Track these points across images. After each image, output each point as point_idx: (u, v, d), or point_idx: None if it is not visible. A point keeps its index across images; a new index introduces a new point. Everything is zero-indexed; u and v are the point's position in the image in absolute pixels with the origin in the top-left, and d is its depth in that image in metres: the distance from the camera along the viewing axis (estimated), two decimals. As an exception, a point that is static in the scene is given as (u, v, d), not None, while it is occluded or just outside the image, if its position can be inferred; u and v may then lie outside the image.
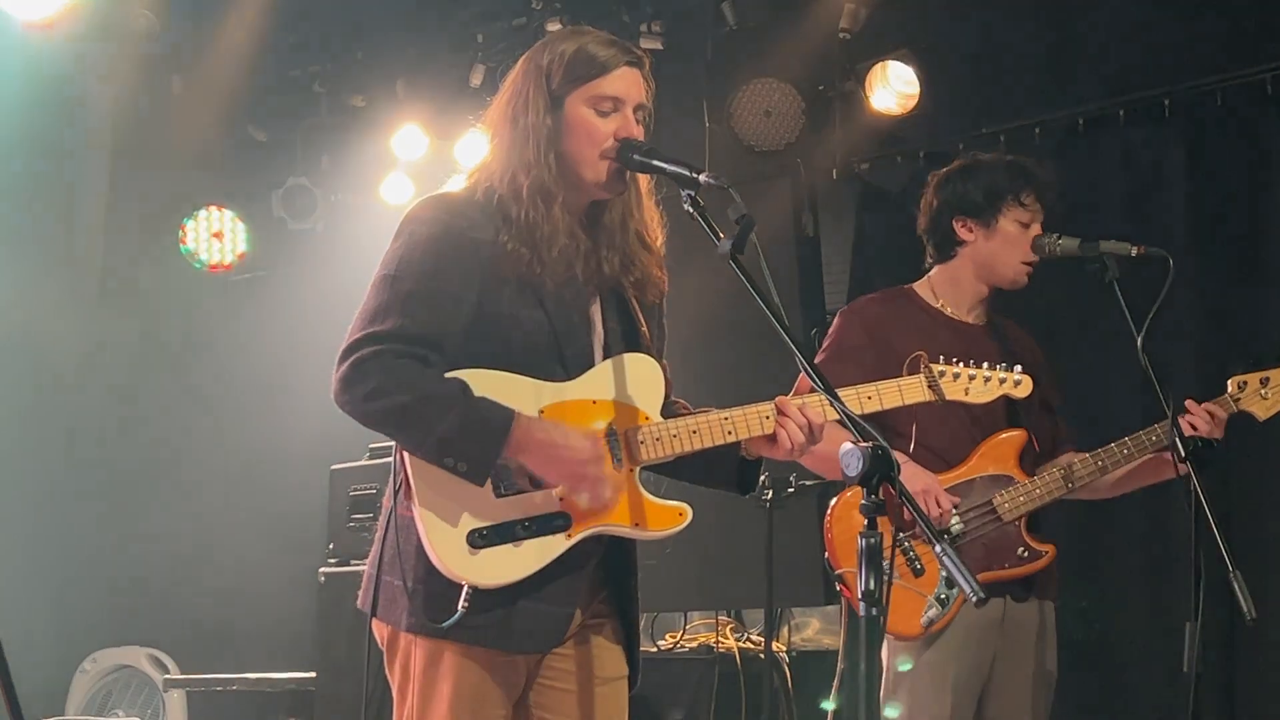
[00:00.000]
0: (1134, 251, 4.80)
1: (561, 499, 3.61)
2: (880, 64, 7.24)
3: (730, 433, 3.73)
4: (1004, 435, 4.97)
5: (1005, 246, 5.06)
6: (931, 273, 5.23)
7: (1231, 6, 6.46)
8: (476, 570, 3.55)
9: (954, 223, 5.13)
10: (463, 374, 3.58)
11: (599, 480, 3.61)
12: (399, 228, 3.71)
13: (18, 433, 8.85)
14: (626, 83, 3.73)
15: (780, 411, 3.71)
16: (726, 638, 7.23)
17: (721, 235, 3.47)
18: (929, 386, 3.97)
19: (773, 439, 3.73)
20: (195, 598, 9.15)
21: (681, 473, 3.90)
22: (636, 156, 3.67)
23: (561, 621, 3.70)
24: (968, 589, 3.14)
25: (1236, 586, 4.40)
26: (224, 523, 9.24)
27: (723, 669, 7.03)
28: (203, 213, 8.98)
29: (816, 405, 3.72)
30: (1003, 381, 4.13)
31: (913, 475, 4.81)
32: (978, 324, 5.17)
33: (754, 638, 7.24)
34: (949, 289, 5.17)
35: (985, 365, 4.10)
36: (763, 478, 6.44)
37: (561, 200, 3.70)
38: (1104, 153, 6.95)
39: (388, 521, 3.69)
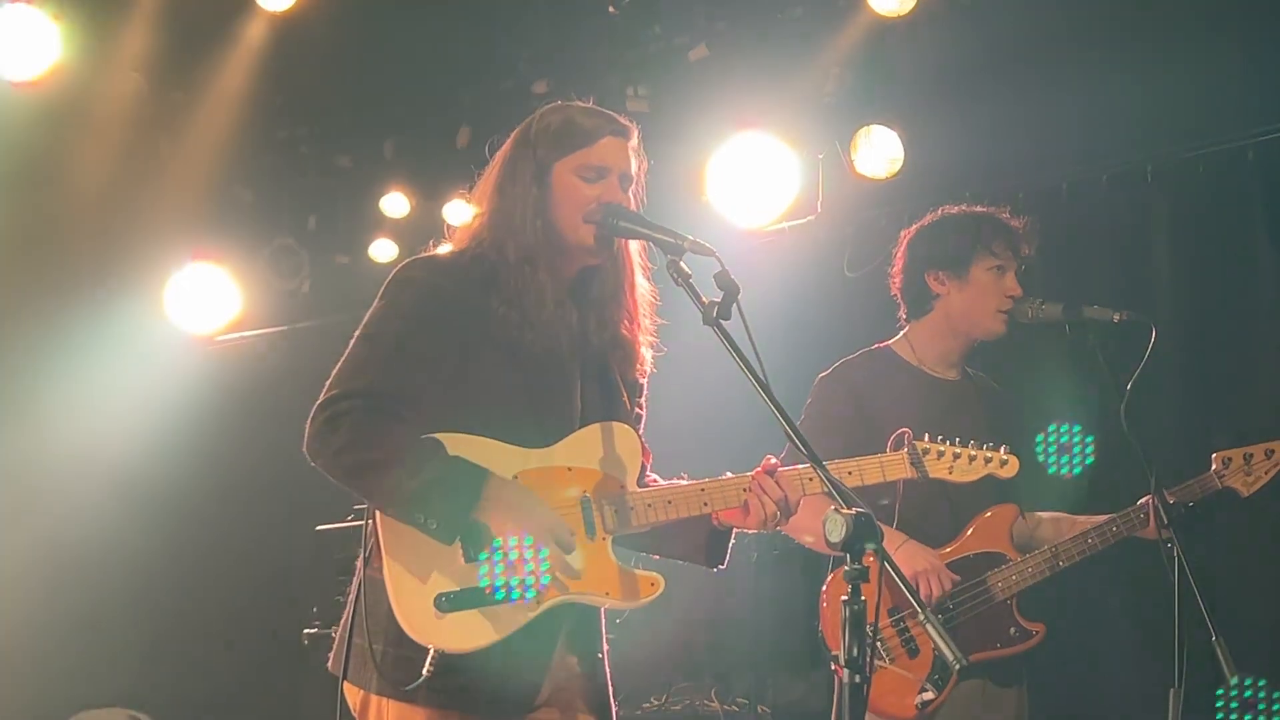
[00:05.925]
0: (1116, 317, 4.78)
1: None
2: (865, 128, 7.25)
3: (705, 504, 3.73)
4: (995, 511, 4.91)
5: (979, 295, 5.03)
6: (908, 329, 5.18)
7: (1214, 76, 6.48)
8: (442, 635, 3.53)
9: (927, 277, 5.09)
10: (440, 437, 3.58)
11: (558, 556, 3.58)
12: (383, 287, 3.73)
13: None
14: (611, 151, 3.76)
15: (755, 486, 3.70)
16: (711, 700, 7.20)
17: (705, 301, 3.47)
18: (912, 464, 3.95)
19: (746, 510, 3.73)
20: (178, 658, 9.09)
21: (649, 545, 3.88)
22: (622, 223, 3.68)
23: (530, 689, 3.68)
24: (949, 655, 3.13)
25: (1219, 652, 4.39)
26: (207, 583, 9.19)
27: (707, 733, 7.00)
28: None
29: (796, 479, 3.73)
30: (988, 461, 4.09)
31: (914, 554, 4.77)
32: (958, 380, 5.12)
33: (739, 701, 7.20)
34: (927, 345, 5.12)
35: (972, 443, 4.07)
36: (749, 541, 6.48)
37: (548, 265, 3.71)
38: (1087, 219, 6.97)
39: (359, 584, 3.68)
